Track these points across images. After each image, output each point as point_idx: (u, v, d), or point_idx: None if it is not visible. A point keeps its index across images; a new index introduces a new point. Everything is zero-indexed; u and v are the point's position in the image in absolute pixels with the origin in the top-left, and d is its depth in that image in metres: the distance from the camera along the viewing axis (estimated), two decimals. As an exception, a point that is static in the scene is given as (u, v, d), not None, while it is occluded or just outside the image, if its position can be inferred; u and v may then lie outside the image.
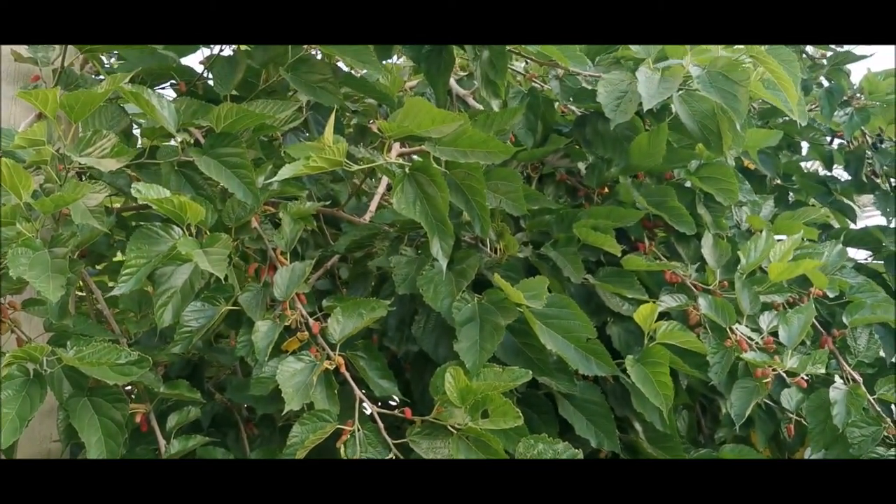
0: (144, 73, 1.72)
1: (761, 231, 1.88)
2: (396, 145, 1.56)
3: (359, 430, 1.36)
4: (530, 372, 1.39)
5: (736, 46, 1.57)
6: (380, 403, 1.47)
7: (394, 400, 1.67)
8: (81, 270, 1.39)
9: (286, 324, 1.44)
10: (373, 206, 1.77)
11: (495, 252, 1.69)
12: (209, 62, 1.75)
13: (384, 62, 1.97)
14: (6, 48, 1.64)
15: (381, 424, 1.37)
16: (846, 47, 2.59)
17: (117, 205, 1.68)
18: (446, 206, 1.42)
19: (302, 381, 1.38)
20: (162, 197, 1.31)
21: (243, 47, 1.73)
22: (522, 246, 1.73)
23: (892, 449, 1.72)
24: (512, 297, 1.47)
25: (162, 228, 1.37)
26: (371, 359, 1.50)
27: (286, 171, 1.34)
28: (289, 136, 1.87)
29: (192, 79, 1.79)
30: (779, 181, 2.61)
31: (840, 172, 2.75)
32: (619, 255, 1.74)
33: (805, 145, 2.79)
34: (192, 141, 1.49)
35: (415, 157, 1.48)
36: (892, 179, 2.65)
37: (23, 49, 1.63)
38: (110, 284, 1.98)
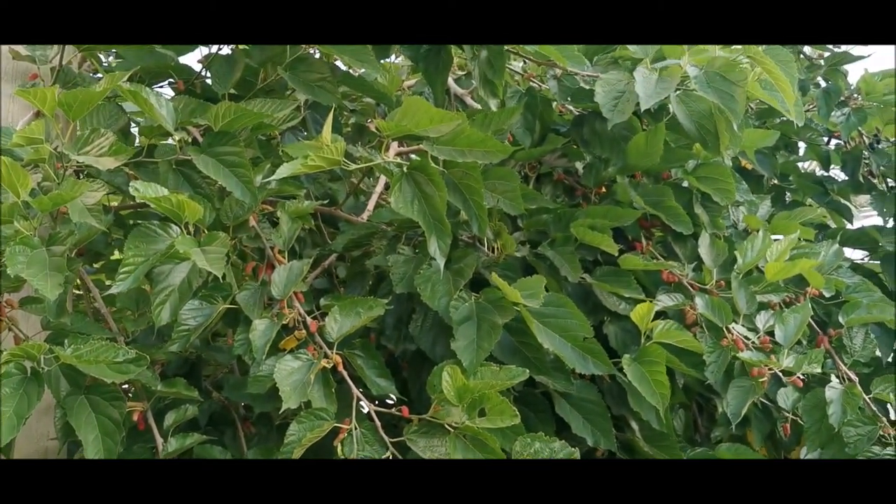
0: (143, 71, 1.73)
1: (758, 231, 1.88)
2: (394, 144, 1.56)
3: (356, 428, 1.36)
4: (527, 371, 1.40)
5: (733, 47, 1.57)
6: (377, 402, 1.47)
7: (391, 398, 1.67)
8: (79, 269, 1.39)
9: (284, 322, 1.44)
10: (371, 205, 1.77)
11: (493, 251, 1.69)
12: (207, 61, 1.75)
13: (382, 61, 1.97)
14: (4, 46, 1.64)
15: (378, 423, 1.37)
16: (844, 48, 2.60)
17: (115, 203, 1.69)
18: (444, 205, 1.42)
19: (299, 379, 1.38)
20: (160, 195, 1.31)
21: (241, 46, 1.74)
22: (520, 245, 1.73)
23: (888, 448, 1.72)
24: (509, 296, 1.47)
25: (160, 227, 1.37)
26: (368, 357, 1.50)
27: (284, 170, 1.35)
28: (287, 134, 1.87)
29: (191, 77, 1.79)
30: (776, 181, 2.62)
31: (837, 173, 2.75)
32: (617, 254, 1.74)
33: (802, 145, 2.79)
34: (190, 139, 1.50)
35: (413, 156, 1.49)
36: (889, 180, 2.66)
37: (21, 47, 1.63)
38: (108, 283, 1.99)
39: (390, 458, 1.34)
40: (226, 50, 1.73)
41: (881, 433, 1.73)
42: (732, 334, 1.74)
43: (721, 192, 1.90)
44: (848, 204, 2.68)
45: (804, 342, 1.88)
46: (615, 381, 1.71)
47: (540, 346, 1.51)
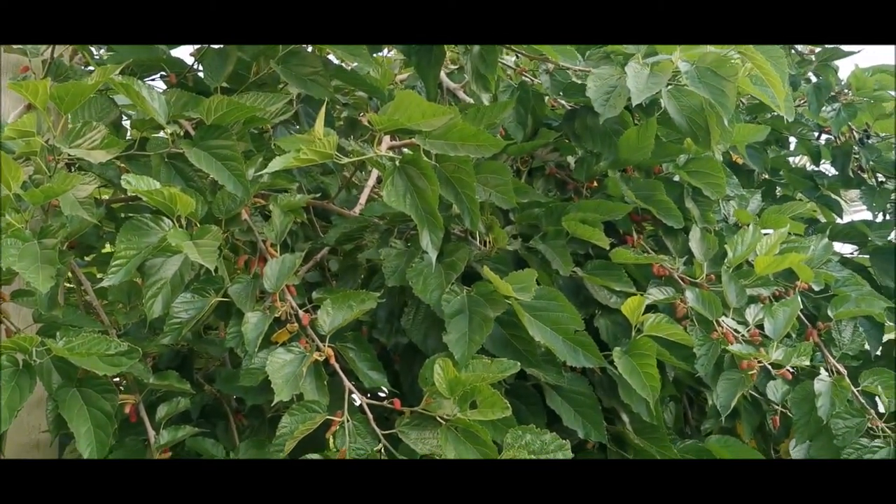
0: (134, 64, 1.72)
1: (748, 225, 1.89)
2: (387, 138, 1.56)
3: (348, 420, 1.36)
4: (518, 363, 1.41)
5: (725, 43, 1.58)
6: (369, 395, 1.48)
7: (383, 391, 1.68)
8: (71, 262, 1.39)
9: (276, 315, 1.45)
10: (363, 198, 1.77)
11: (485, 245, 1.70)
12: (199, 54, 1.75)
13: (374, 55, 1.97)
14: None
15: (370, 415, 1.38)
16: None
17: (106, 196, 1.68)
18: (436, 198, 1.42)
19: (291, 372, 1.39)
20: (152, 188, 1.32)
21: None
22: (512, 239, 1.73)
23: (876, 440, 1.74)
24: (501, 290, 1.48)
25: (152, 220, 1.37)
26: (360, 350, 1.51)
27: (276, 164, 1.35)
28: (279, 128, 1.87)
29: (183, 70, 1.79)
30: (766, 176, 2.63)
31: (827, 168, 2.77)
32: (608, 248, 1.75)
33: (793, 140, 2.81)
34: (182, 133, 1.49)
35: (405, 150, 1.49)
36: (879, 175, 2.67)
37: (13, 40, 1.62)
38: (99, 276, 1.98)
39: (382, 450, 1.35)
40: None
41: (869, 425, 1.74)
42: (722, 327, 1.75)
43: (712, 187, 1.91)
44: (838, 199, 2.70)
45: (793, 335, 1.89)
46: (606, 374, 1.72)
47: (531, 338, 1.52)
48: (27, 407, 1.34)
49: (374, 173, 1.79)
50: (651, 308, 1.71)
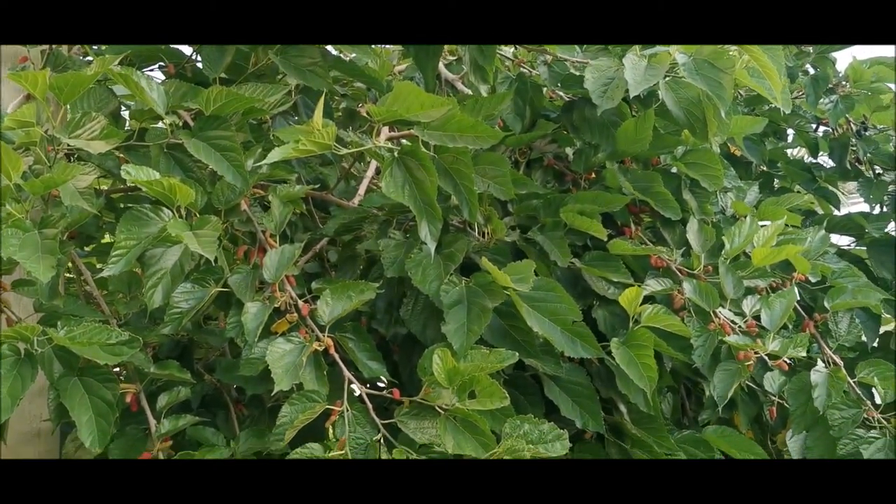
0: (133, 55, 1.72)
1: (746, 217, 1.90)
2: (385, 129, 1.56)
3: (347, 410, 1.37)
4: (517, 354, 1.41)
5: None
6: (368, 384, 1.48)
7: (382, 381, 1.69)
8: (71, 252, 1.40)
9: (275, 306, 1.45)
10: (361, 189, 1.77)
11: (483, 236, 1.70)
12: (198, 45, 1.75)
13: (373, 46, 1.97)
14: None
15: (369, 405, 1.39)
16: (833, 38, 2.61)
17: (105, 186, 1.69)
18: (435, 190, 1.43)
19: (291, 361, 1.39)
20: (152, 179, 1.32)
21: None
22: (510, 230, 1.74)
23: (872, 431, 1.75)
24: (499, 281, 1.49)
25: (152, 210, 1.37)
26: (360, 340, 1.52)
27: (275, 155, 1.35)
28: (278, 119, 1.87)
29: (181, 61, 1.79)
30: (764, 168, 2.64)
31: (825, 159, 2.77)
32: (606, 239, 1.75)
33: (791, 132, 2.81)
34: (180, 123, 1.50)
35: (404, 141, 1.49)
36: (876, 167, 2.68)
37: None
38: (99, 266, 1.99)
39: (381, 440, 1.36)
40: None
41: (865, 416, 1.76)
42: (719, 318, 1.76)
43: (709, 179, 1.92)
44: (835, 190, 2.71)
45: (790, 327, 1.90)
46: (604, 365, 1.72)
47: (529, 329, 1.53)
48: (28, 396, 1.35)
49: (373, 164, 1.79)
50: (649, 299, 1.72)
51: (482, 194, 1.63)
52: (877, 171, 2.67)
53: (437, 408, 1.35)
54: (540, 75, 1.94)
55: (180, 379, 1.49)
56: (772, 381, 1.83)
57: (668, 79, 1.66)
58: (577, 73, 1.84)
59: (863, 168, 2.68)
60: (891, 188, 2.62)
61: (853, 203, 3.08)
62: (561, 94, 2.00)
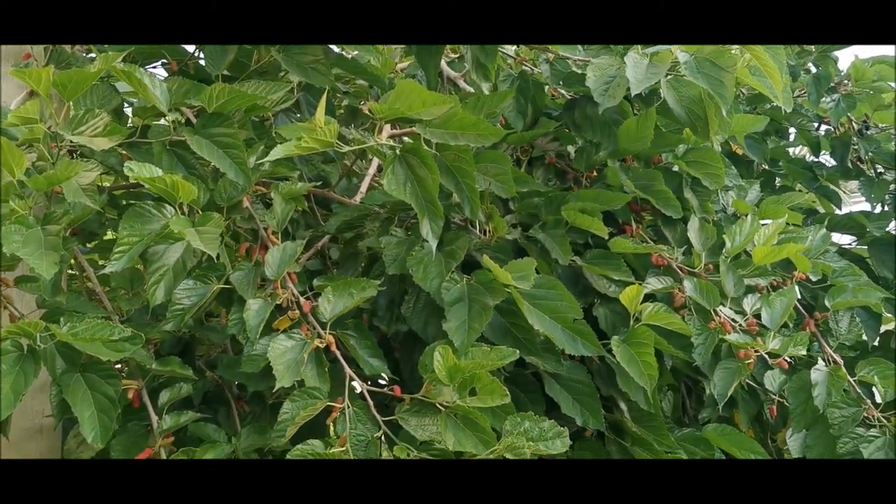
0: (136, 52, 1.72)
1: (747, 215, 1.90)
2: (387, 127, 1.57)
3: (349, 407, 1.38)
4: (517, 351, 1.42)
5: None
6: (369, 381, 1.49)
7: (383, 378, 1.69)
8: (74, 248, 1.40)
9: (277, 302, 1.46)
10: (363, 187, 1.78)
11: (484, 234, 1.70)
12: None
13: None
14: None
15: (370, 402, 1.39)
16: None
17: (108, 183, 1.69)
18: (436, 187, 1.43)
19: (293, 358, 1.40)
20: (154, 176, 1.32)
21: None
22: (511, 228, 1.74)
23: (872, 429, 1.75)
24: (500, 278, 1.49)
25: (154, 207, 1.38)
26: (361, 337, 1.52)
27: (278, 152, 1.36)
28: (280, 116, 1.88)
29: (184, 58, 1.79)
30: (766, 166, 2.64)
31: (827, 158, 2.77)
32: (607, 237, 1.76)
33: (793, 131, 2.81)
34: (183, 120, 1.50)
35: (405, 138, 1.50)
36: (878, 166, 2.68)
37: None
38: (101, 262, 1.99)
39: (382, 437, 1.36)
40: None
41: (865, 415, 1.76)
42: (720, 317, 1.76)
43: (710, 177, 1.92)
44: (837, 189, 2.71)
45: (790, 325, 1.90)
46: (604, 363, 1.73)
47: (530, 327, 1.53)
48: (30, 392, 1.35)
49: (375, 162, 1.79)
50: (649, 297, 1.72)
51: (484, 192, 1.63)
52: (878, 170, 2.67)
53: (437, 405, 1.35)
54: (542, 73, 1.94)
55: (182, 375, 1.49)
56: (772, 379, 1.83)
57: (669, 77, 1.66)
58: (579, 72, 1.84)
59: (864, 167, 2.68)
60: (892, 187, 2.62)
61: (855, 202, 3.08)
62: (563, 92, 2.00)
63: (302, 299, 1.49)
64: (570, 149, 2.00)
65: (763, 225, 1.88)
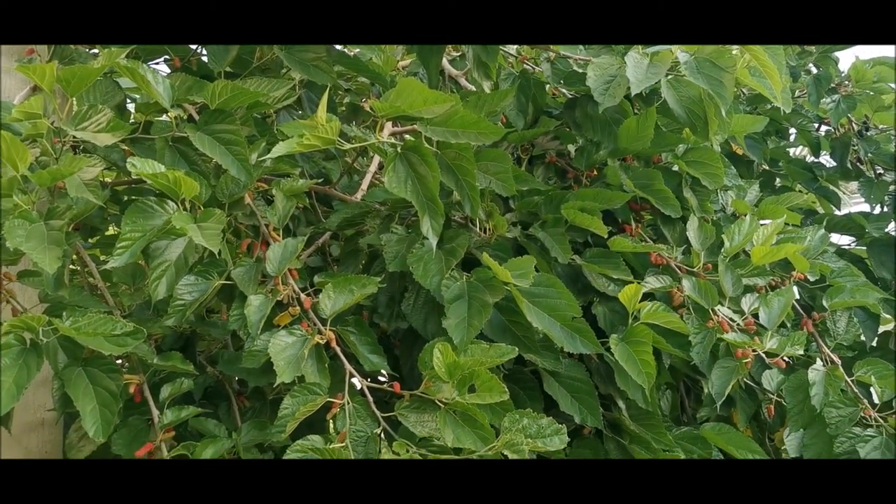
0: (139, 48, 1.73)
1: (746, 215, 1.91)
2: (388, 125, 1.58)
3: (348, 403, 1.39)
4: (516, 349, 1.42)
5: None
6: (369, 378, 1.50)
7: (383, 375, 1.70)
8: (76, 243, 1.41)
9: (278, 299, 1.47)
10: (364, 184, 1.79)
11: (484, 231, 1.71)
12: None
13: (377, 42, 1.98)
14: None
15: (370, 398, 1.40)
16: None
17: (110, 179, 1.70)
18: (437, 185, 1.44)
19: (293, 354, 1.41)
20: (157, 172, 1.33)
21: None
22: (511, 226, 1.75)
23: (869, 429, 1.76)
24: (500, 276, 1.50)
25: (157, 203, 1.38)
26: (361, 334, 1.53)
27: (279, 149, 1.36)
28: (282, 113, 1.88)
29: (187, 54, 1.79)
30: (765, 166, 2.64)
31: (827, 159, 2.78)
32: (606, 236, 1.76)
33: (793, 131, 2.82)
34: (185, 117, 1.51)
35: (406, 136, 1.50)
36: (877, 167, 2.68)
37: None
38: (103, 258, 2.00)
39: (382, 433, 1.37)
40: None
41: (862, 415, 1.77)
42: (718, 316, 1.77)
43: (710, 177, 1.93)
44: (836, 190, 2.71)
45: (788, 325, 1.91)
46: (603, 361, 1.74)
47: (529, 324, 1.54)
48: (32, 386, 1.36)
49: (376, 159, 1.80)
50: (648, 296, 1.73)
51: (484, 190, 1.64)
52: (878, 171, 2.68)
53: (437, 401, 1.36)
54: (543, 72, 1.95)
55: (183, 370, 1.50)
56: (770, 378, 1.84)
57: (669, 77, 1.67)
58: (580, 71, 1.85)
59: (864, 168, 2.69)
60: (891, 188, 2.63)
61: (855, 203, 3.08)
62: (563, 91, 2.01)
63: (303, 296, 1.49)
64: (571, 148, 2.01)
65: (762, 225, 1.89)
